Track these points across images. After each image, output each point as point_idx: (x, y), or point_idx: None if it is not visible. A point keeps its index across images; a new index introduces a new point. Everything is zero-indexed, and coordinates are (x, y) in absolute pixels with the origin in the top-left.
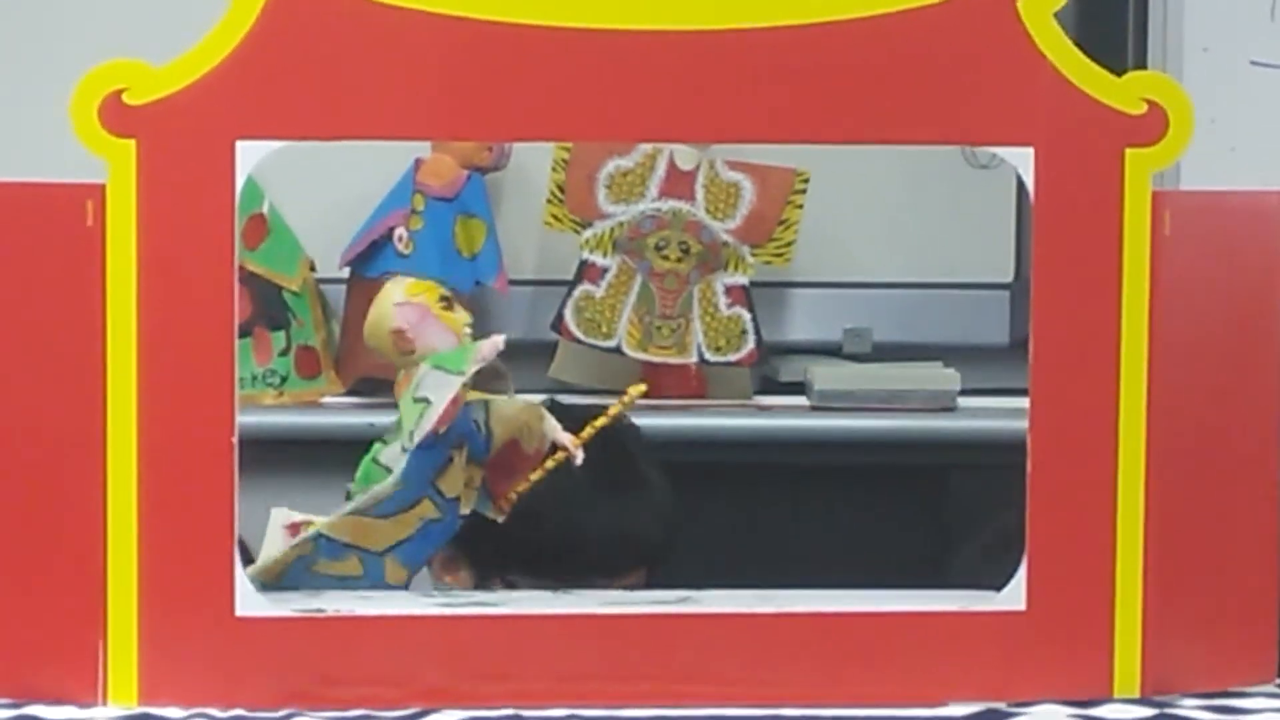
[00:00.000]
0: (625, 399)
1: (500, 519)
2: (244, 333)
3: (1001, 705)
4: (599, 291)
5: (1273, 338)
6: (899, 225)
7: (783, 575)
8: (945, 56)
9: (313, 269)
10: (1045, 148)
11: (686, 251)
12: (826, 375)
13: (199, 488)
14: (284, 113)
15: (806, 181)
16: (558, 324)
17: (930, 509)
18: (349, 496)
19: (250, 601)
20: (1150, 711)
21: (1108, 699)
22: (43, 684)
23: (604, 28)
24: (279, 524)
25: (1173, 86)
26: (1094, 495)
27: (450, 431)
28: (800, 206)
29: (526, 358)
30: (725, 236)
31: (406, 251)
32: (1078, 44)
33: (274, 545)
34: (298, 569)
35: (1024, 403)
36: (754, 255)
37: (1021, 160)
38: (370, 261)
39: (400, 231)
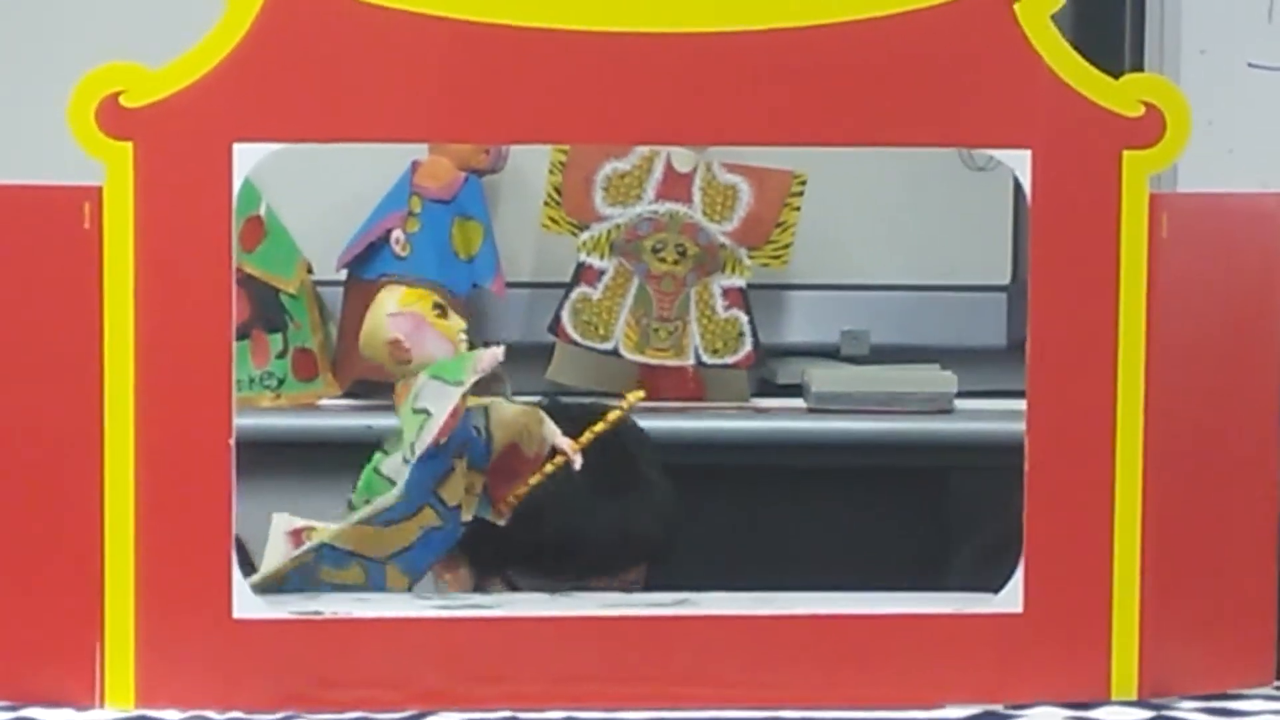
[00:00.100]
0: (624, 405)
1: (501, 523)
2: (241, 335)
3: (999, 707)
4: (596, 294)
5: (1270, 339)
6: (896, 227)
7: (780, 577)
8: (942, 59)
9: (310, 271)
10: (1043, 150)
11: (684, 254)
12: (824, 377)
13: (196, 490)
14: (281, 115)
15: (804, 184)
16: (555, 326)
17: (928, 511)
18: (351, 506)
19: (248, 604)
20: (1148, 714)
21: (1105, 701)
22: (40, 686)
23: (601, 30)
24: (280, 530)
25: (1170, 89)
26: (1091, 497)
27: (451, 440)
28: (797, 209)
29: (523, 360)
30: (722, 239)
31: (404, 254)
32: (1075, 46)
33: (276, 552)
34: (300, 577)
35: (1021, 405)
36: (751, 257)
37: (1019, 162)
38: (367, 264)
39: (397, 234)
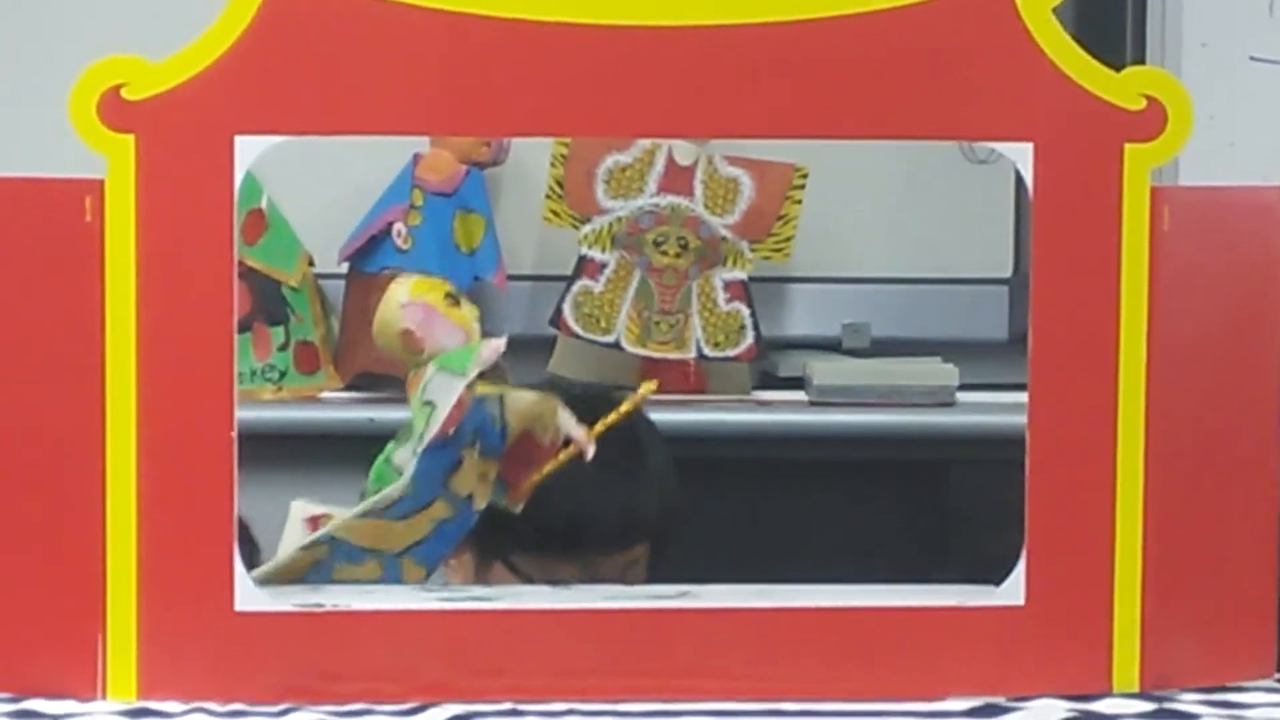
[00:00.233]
0: (636, 396)
1: (516, 510)
2: (243, 328)
3: (1000, 699)
4: (598, 287)
5: (1272, 332)
6: (898, 220)
7: (782, 570)
8: (944, 52)
9: (311, 264)
10: (1044, 143)
11: (685, 247)
12: (825, 370)
13: (198, 482)
14: (282, 108)
15: (805, 177)
16: (556, 319)
17: (929, 504)
18: (364, 497)
19: (249, 596)
20: (1149, 705)
21: (1106, 693)
22: (42, 678)
23: (602, 23)
24: (298, 517)
25: (1172, 82)
26: (1093, 489)
27: (462, 430)
28: (799, 202)
29: (525, 353)
30: (724, 232)
31: (405, 247)
32: (1077, 39)
33: (294, 538)
34: (316, 574)
35: (1023, 398)
36: (753, 250)
37: (1020, 155)
38: (369, 256)
39: (399, 227)
